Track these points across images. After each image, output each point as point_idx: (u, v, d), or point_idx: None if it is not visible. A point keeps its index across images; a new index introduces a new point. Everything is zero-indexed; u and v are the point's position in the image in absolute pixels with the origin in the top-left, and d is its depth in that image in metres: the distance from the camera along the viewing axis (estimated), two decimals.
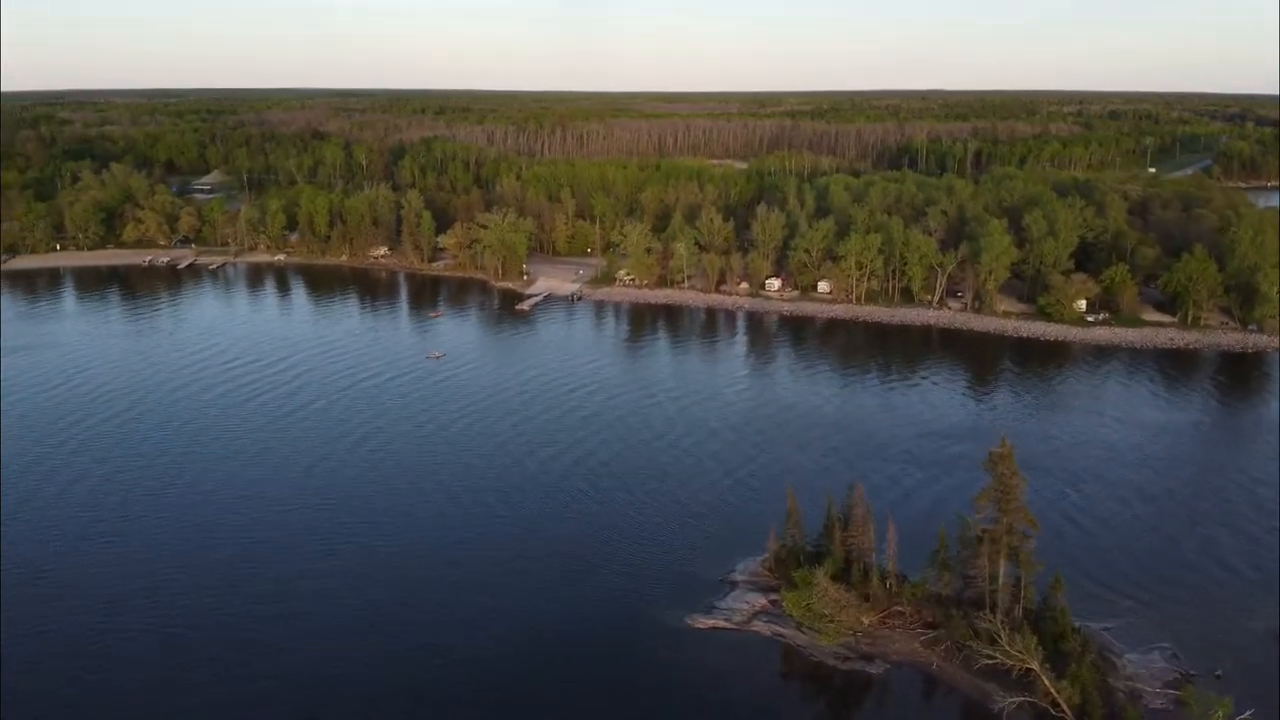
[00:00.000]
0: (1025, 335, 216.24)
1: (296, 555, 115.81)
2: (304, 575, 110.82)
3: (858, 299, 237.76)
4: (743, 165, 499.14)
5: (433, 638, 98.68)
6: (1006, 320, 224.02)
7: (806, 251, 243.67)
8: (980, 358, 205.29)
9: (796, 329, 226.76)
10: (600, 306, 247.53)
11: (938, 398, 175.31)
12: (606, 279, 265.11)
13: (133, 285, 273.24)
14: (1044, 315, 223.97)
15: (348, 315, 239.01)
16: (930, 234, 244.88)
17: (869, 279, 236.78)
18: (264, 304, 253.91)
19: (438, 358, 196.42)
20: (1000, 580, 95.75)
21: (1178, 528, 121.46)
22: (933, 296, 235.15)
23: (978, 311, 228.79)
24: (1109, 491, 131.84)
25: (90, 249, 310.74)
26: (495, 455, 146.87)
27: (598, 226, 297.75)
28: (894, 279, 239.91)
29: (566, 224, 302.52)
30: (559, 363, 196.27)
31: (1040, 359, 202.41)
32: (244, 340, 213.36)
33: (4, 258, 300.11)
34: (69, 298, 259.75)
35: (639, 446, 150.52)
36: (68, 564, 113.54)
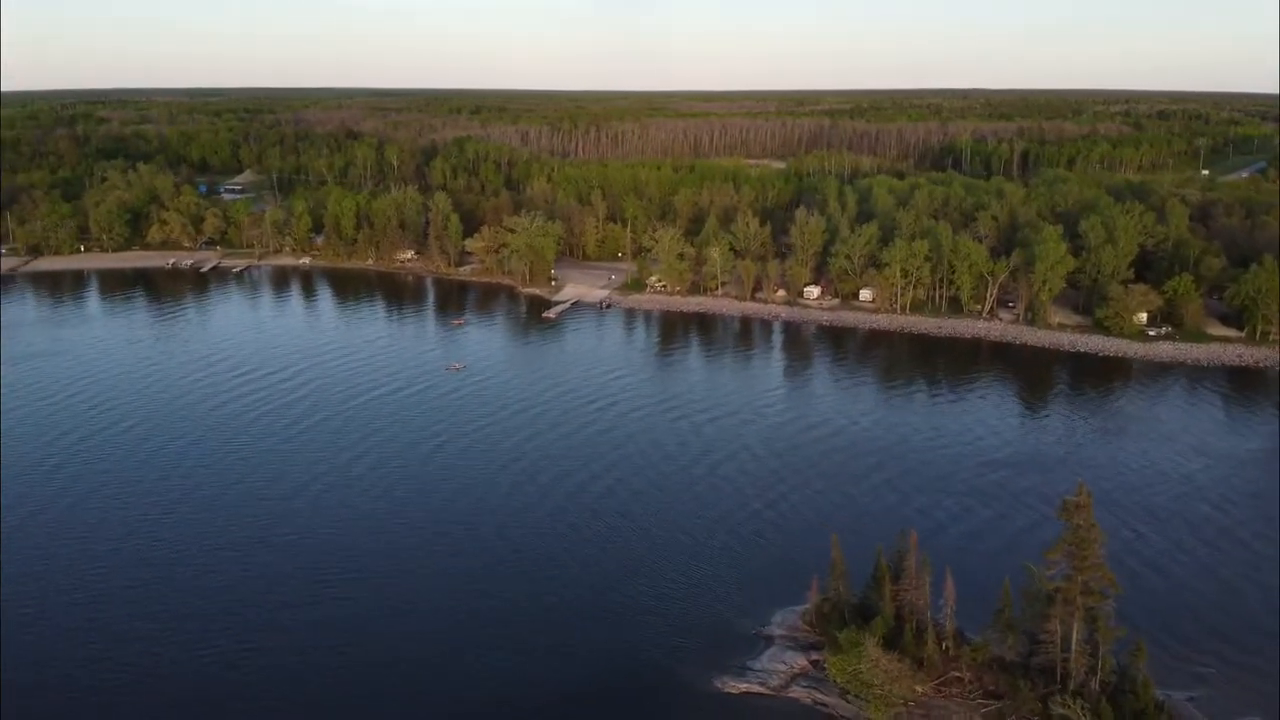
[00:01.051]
0: (1082, 350, 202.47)
1: (278, 602, 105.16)
2: (288, 628, 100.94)
3: (902, 308, 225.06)
4: (780, 165, 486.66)
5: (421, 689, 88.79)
6: (1062, 333, 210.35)
7: (848, 258, 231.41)
8: (1035, 374, 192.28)
9: (836, 340, 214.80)
10: (630, 314, 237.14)
11: (991, 419, 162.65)
12: (637, 285, 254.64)
13: (154, 289, 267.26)
14: (1102, 329, 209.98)
15: (368, 322, 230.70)
16: (980, 240, 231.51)
17: (914, 288, 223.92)
18: (283, 309, 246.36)
19: (457, 369, 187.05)
20: (1074, 646, 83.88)
21: (1271, 577, 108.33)
22: (983, 307, 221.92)
23: (1030, 324, 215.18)
24: (1191, 533, 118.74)
25: (115, 250, 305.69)
26: (508, 479, 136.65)
27: (629, 230, 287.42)
28: (941, 288, 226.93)
29: (597, 227, 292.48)
30: (583, 375, 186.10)
31: (1098, 376, 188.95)
32: (256, 348, 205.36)
33: (26, 259, 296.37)
34: (87, 301, 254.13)
35: (664, 471, 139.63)
36: (17, 601, 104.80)
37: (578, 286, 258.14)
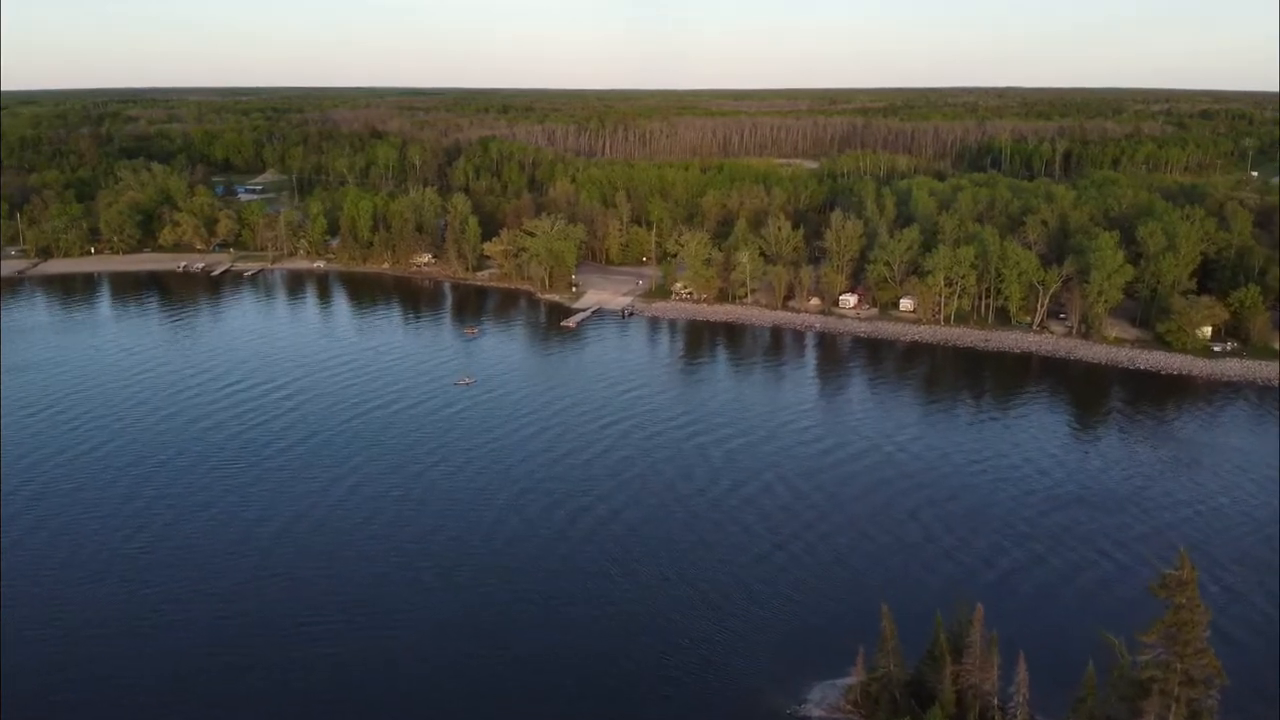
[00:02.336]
0: (1142, 367, 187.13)
1: (248, 664, 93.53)
2: (258, 691, 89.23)
3: (946, 319, 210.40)
4: (813, 165, 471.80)
5: None
6: (1119, 349, 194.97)
7: (887, 264, 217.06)
8: (1091, 393, 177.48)
9: (874, 353, 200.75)
10: (654, 323, 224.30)
11: (1048, 445, 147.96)
12: (661, 292, 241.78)
13: (162, 293, 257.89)
14: (1163, 344, 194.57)
15: (378, 330, 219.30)
16: (1029, 247, 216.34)
17: (959, 297, 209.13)
18: (291, 316, 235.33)
19: (466, 384, 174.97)
20: None
21: None
22: (1032, 319, 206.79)
23: (1085, 337, 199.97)
24: None
25: (126, 253, 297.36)
26: (502, 511, 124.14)
27: (653, 233, 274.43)
28: (988, 298, 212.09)
29: (620, 231, 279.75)
30: (600, 390, 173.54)
31: (1161, 396, 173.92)
32: (256, 358, 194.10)
33: (35, 261, 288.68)
34: (90, 306, 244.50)
35: (682, 504, 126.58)
36: None
37: (599, 293, 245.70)
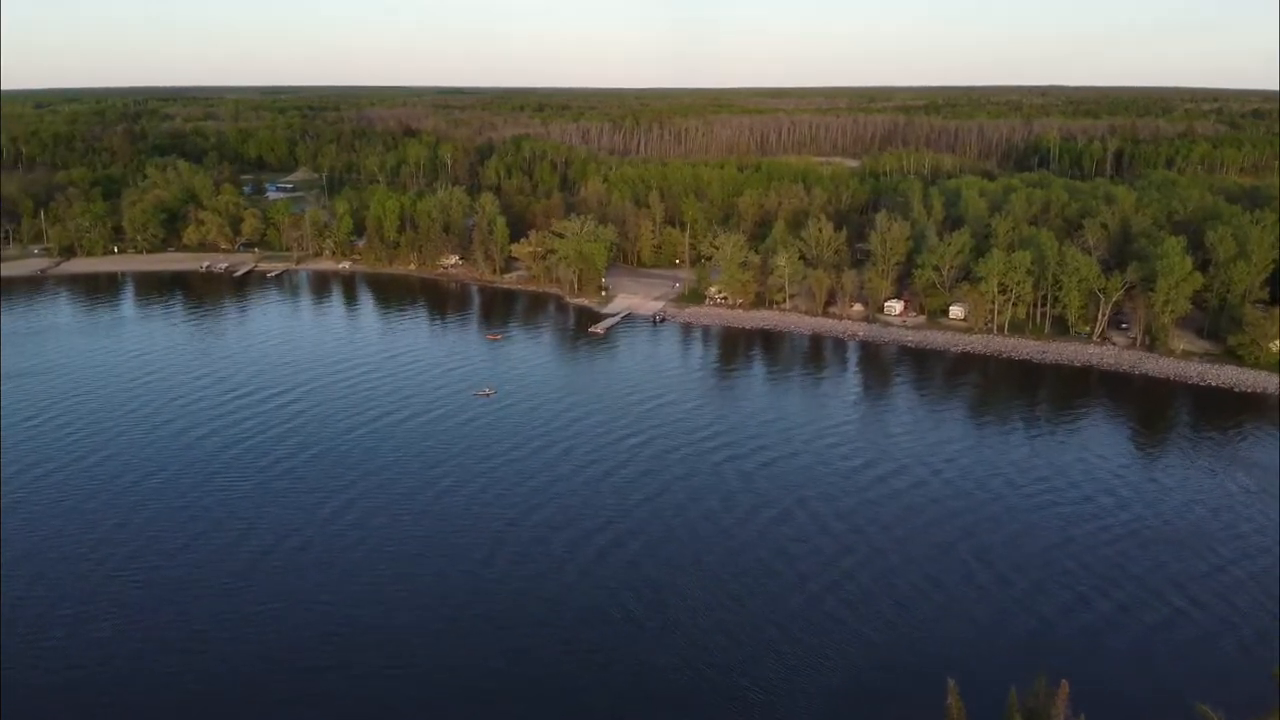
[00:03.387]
0: (1213, 383, 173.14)
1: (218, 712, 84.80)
2: None
3: (999, 329, 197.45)
4: (853, 164, 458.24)
5: None
6: (1188, 362, 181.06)
7: (936, 269, 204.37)
8: (1158, 411, 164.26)
9: (922, 364, 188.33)
10: (686, 330, 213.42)
11: (1116, 470, 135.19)
12: (695, 297, 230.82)
13: (183, 294, 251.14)
14: (1234, 358, 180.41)
15: (398, 334, 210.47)
16: (1088, 252, 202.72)
17: (1014, 305, 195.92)
18: (311, 319, 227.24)
19: (486, 395, 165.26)
20: None
21: None
22: (1092, 329, 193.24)
23: (1149, 350, 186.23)
24: None
25: (149, 252, 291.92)
26: (507, 541, 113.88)
27: (687, 235, 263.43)
28: (1044, 306, 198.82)
29: (653, 232, 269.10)
30: (625, 402, 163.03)
31: (1233, 416, 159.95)
32: (268, 364, 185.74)
33: (57, 260, 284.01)
34: (106, 307, 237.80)
35: (703, 535, 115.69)
36: None
37: (630, 297, 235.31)
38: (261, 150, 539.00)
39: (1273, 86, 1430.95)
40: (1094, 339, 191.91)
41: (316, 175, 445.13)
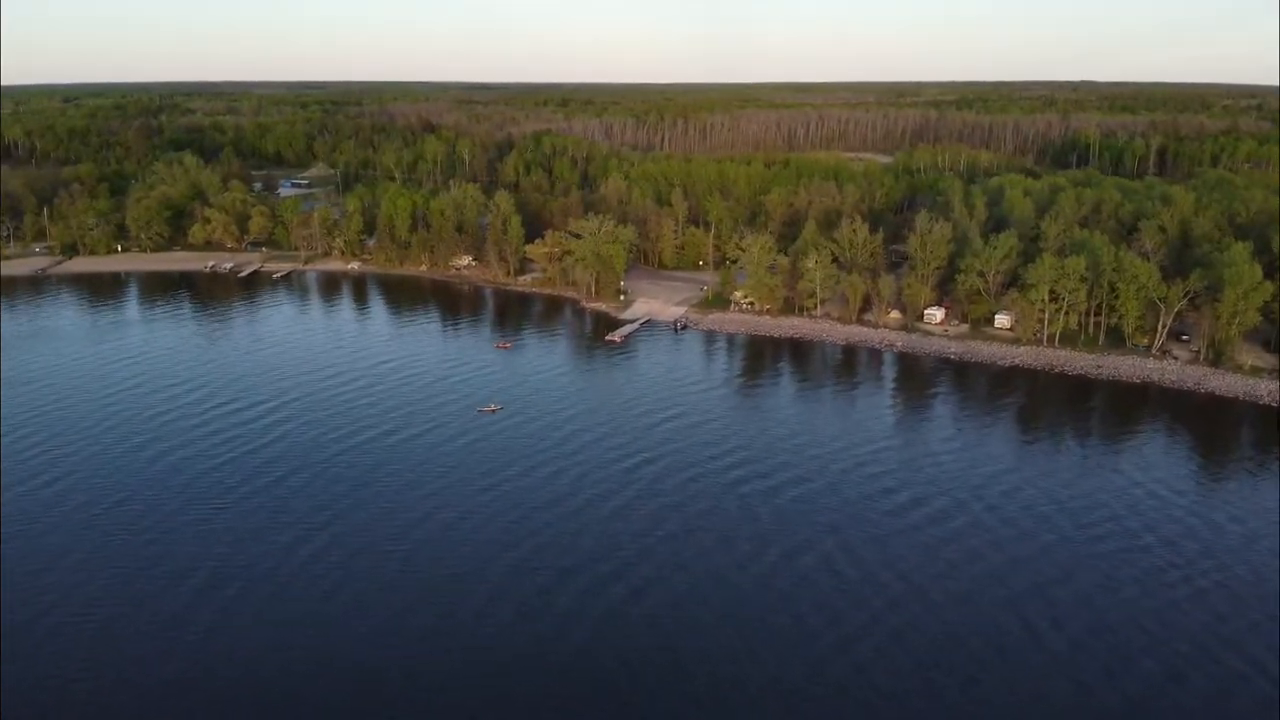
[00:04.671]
0: None
1: None
2: None
3: (1049, 340, 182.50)
4: (885, 160, 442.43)
5: None
6: (1257, 380, 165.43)
7: (980, 275, 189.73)
8: (1223, 433, 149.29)
9: (965, 378, 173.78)
10: (710, 338, 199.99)
11: (1187, 505, 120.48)
12: (719, 302, 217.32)
13: (182, 296, 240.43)
14: None
15: (403, 341, 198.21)
16: (1146, 257, 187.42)
17: (1066, 314, 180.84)
18: (314, 324, 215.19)
19: (491, 411, 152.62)
20: None
21: None
22: (1151, 341, 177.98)
23: (1214, 365, 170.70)
24: None
25: (154, 251, 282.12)
26: (500, 593, 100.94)
27: (711, 236, 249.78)
28: (1098, 315, 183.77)
29: (676, 232, 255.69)
30: (640, 420, 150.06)
31: None
32: (261, 373, 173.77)
33: (59, 259, 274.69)
34: (104, 309, 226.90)
35: (730, 588, 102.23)
36: None
37: (650, 302, 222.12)
38: (279, 146, 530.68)
39: None
40: (1153, 352, 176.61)
41: (333, 171, 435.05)
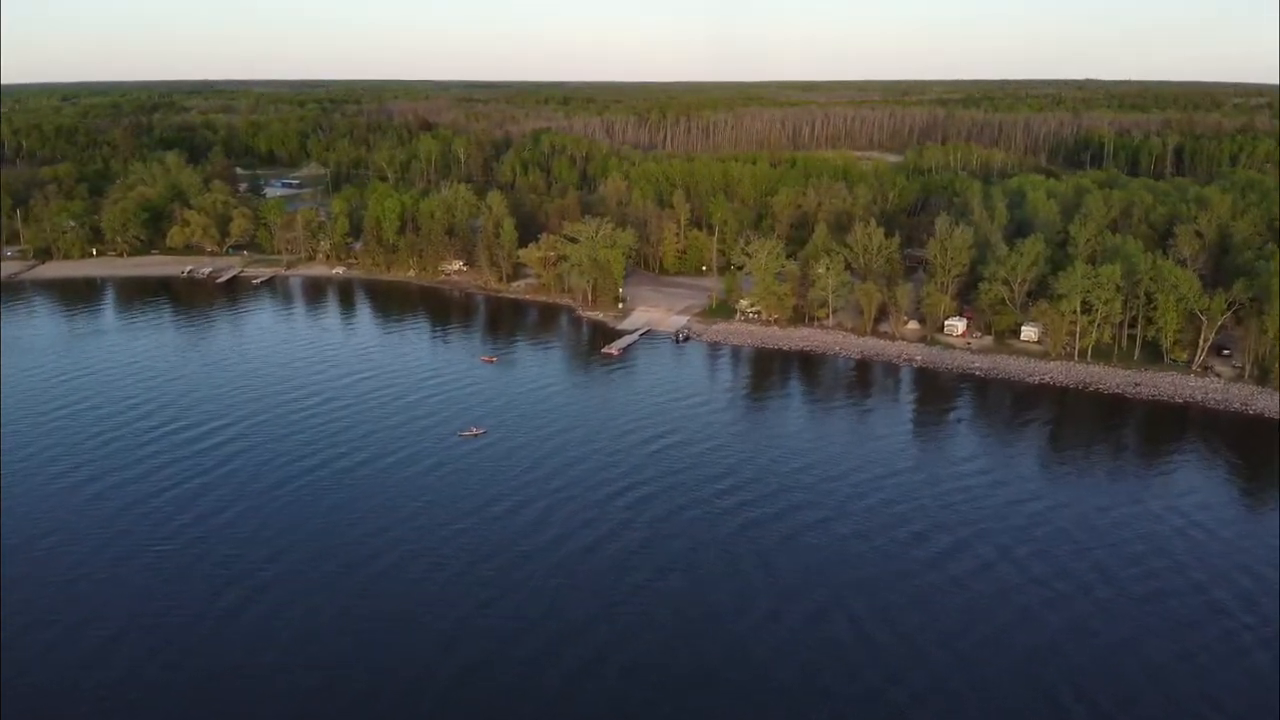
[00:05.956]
0: None
1: None
2: None
3: (1081, 354, 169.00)
4: (893, 159, 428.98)
5: None
6: None
7: (1006, 283, 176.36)
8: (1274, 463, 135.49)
9: (991, 396, 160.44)
10: (714, 350, 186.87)
11: (1254, 551, 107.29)
12: (724, 310, 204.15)
13: (154, 303, 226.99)
14: None
15: (383, 352, 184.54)
16: (1183, 264, 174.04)
17: (1100, 327, 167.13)
18: (288, 334, 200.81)
19: (473, 435, 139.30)
20: None
21: None
22: (1191, 357, 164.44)
23: (1260, 383, 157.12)
24: None
25: (130, 255, 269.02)
26: (449, 649, 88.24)
27: (715, 239, 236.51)
28: (1132, 328, 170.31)
29: (678, 235, 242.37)
30: (632, 444, 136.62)
31: None
32: (214, 391, 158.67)
33: (31, 263, 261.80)
34: (65, 318, 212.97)
35: (713, 649, 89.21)
36: None
37: (650, 310, 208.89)
38: (273, 144, 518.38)
39: None
40: (1193, 368, 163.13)
41: (324, 171, 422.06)
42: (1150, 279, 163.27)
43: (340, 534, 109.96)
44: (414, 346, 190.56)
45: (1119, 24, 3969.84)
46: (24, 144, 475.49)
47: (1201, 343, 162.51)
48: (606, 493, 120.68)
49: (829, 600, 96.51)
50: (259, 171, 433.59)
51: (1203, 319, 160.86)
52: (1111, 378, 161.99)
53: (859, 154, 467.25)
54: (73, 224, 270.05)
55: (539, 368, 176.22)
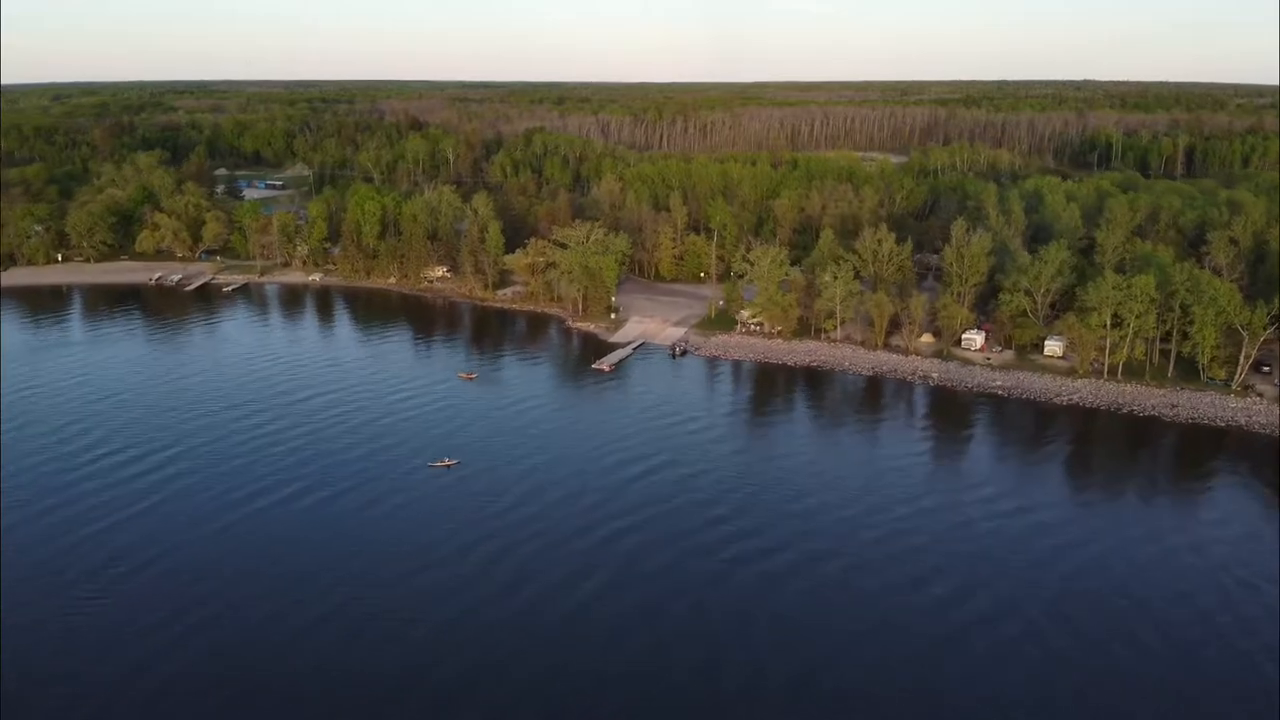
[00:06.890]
0: None
1: None
2: None
3: (1110, 372, 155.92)
4: (896, 159, 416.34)
5: None
6: None
7: (1028, 294, 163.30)
8: None
9: (1014, 418, 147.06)
10: (713, 365, 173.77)
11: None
12: (724, 322, 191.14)
13: (115, 312, 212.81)
14: None
15: (354, 369, 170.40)
16: (1219, 274, 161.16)
17: (1132, 342, 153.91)
18: (253, 347, 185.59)
19: (445, 466, 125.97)
20: None
21: None
22: (1230, 375, 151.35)
23: None
24: None
25: (98, 260, 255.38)
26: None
27: (714, 244, 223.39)
28: (1165, 342, 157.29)
29: (674, 240, 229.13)
30: (618, 476, 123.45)
31: None
32: (160, 412, 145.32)
33: None
34: (21, 330, 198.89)
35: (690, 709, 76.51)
36: None
37: (645, 321, 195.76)
38: (258, 144, 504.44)
39: None
40: (1233, 388, 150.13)
41: (309, 172, 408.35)
42: (1186, 290, 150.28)
43: (282, 585, 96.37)
44: (389, 362, 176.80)
45: (1120, 24, 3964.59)
46: (2, 145, 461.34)
47: (1243, 360, 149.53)
48: (594, 540, 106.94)
49: (863, 655, 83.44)
50: (241, 172, 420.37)
51: (1243, 334, 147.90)
52: (1147, 398, 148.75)
53: (861, 154, 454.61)
54: (39, 228, 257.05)
55: (523, 386, 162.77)
